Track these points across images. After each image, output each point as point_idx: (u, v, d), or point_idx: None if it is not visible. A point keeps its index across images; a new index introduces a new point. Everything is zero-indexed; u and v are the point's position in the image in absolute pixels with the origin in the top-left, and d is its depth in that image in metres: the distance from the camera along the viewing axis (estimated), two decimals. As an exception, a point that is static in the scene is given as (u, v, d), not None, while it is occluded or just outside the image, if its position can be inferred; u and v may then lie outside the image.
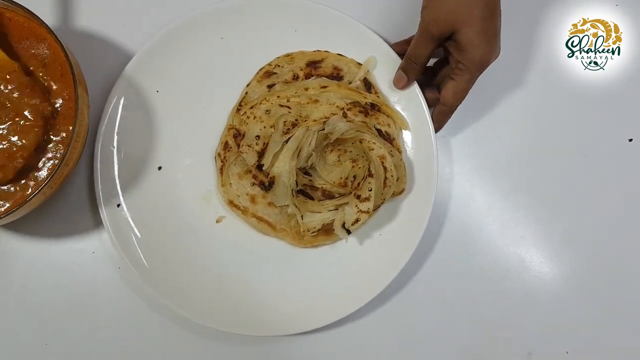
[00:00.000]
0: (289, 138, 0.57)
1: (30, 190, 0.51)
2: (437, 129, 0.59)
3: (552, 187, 0.64)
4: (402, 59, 0.59)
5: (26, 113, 0.50)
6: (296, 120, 0.59)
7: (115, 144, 0.58)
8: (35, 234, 0.59)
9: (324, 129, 0.57)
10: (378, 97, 0.60)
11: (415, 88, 0.59)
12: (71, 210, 0.60)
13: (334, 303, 0.58)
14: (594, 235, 0.64)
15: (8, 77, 0.50)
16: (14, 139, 0.50)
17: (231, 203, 0.59)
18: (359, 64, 0.61)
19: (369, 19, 0.62)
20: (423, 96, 0.59)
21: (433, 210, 0.57)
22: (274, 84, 0.61)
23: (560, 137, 0.65)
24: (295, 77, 0.61)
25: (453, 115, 0.58)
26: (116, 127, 0.58)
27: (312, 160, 0.58)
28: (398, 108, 0.60)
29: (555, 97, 0.65)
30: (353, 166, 0.59)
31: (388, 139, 0.60)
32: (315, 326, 0.57)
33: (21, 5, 0.51)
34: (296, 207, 0.56)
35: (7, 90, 0.50)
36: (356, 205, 0.56)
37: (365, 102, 0.59)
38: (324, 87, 0.60)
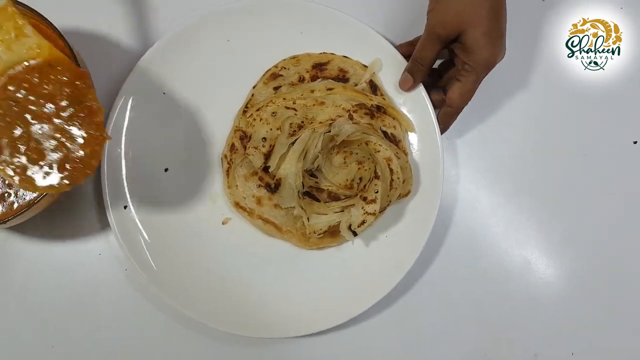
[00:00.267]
0: (295, 140, 0.58)
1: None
2: (442, 131, 0.59)
3: (554, 188, 0.64)
4: (407, 60, 0.59)
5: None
6: (302, 122, 0.59)
7: (122, 146, 0.58)
8: (41, 235, 0.59)
9: (330, 131, 0.57)
10: (384, 99, 0.60)
11: (421, 90, 0.59)
12: (77, 212, 0.60)
13: (340, 305, 0.58)
14: (598, 236, 0.64)
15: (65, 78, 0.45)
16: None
17: (237, 205, 0.59)
18: (365, 66, 0.61)
19: (375, 20, 0.62)
20: (429, 98, 0.59)
21: (438, 212, 0.58)
22: (280, 86, 0.61)
23: (561, 137, 0.65)
24: (301, 79, 0.61)
25: (457, 116, 0.59)
26: (124, 130, 0.58)
27: (318, 162, 0.58)
28: (404, 110, 0.61)
29: (555, 97, 0.65)
30: (359, 168, 0.59)
31: (394, 141, 0.60)
32: (320, 328, 0.57)
33: (30, 8, 0.51)
34: (302, 208, 0.57)
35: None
36: (362, 207, 0.56)
37: (371, 104, 0.60)
38: (330, 89, 0.60)
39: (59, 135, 0.45)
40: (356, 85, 0.61)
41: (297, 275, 0.59)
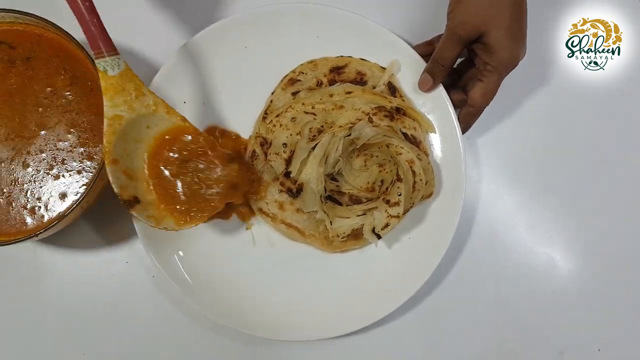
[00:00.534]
0: (316, 145, 0.58)
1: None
2: (464, 130, 0.59)
3: (578, 186, 0.64)
4: (425, 60, 0.59)
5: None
6: (322, 126, 0.59)
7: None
8: (69, 246, 0.61)
9: (350, 135, 0.57)
10: (403, 100, 0.60)
11: (441, 90, 0.59)
12: (103, 221, 0.61)
13: (365, 307, 0.58)
14: (622, 233, 0.64)
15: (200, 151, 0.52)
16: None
17: (260, 210, 0.60)
18: (383, 68, 0.61)
19: (391, 22, 0.62)
20: (449, 98, 0.59)
21: (461, 212, 0.57)
22: (299, 91, 0.61)
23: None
24: (319, 84, 0.61)
25: (479, 116, 0.58)
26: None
27: (339, 166, 0.58)
28: (423, 111, 0.60)
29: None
30: (380, 171, 0.59)
31: (414, 142, 0.60)
32: (346, 331, 0.57)
33: (51, 22, 0.52)
34: (325, 213, 0.57)
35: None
36: (386, 210, 0.56)
37: (391, 107, 0.59)
38: (349, 92, 0.60)
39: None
40: (375, 87, 0.61)
41: (321, 279, 0.59)
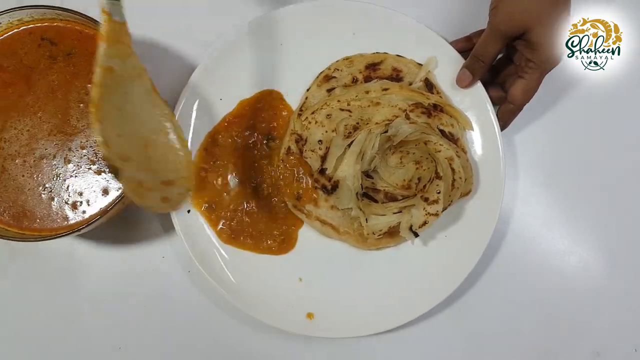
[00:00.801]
0: (352, 142, 0.57)
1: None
2: (502, 128, 0.58)
3: (609, 184, 0.64)
4: (462, 57, 0.58)
5: None
6: (357, 123, 0.59)
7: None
8: (105, 240, 0.61)
9: (386, 132, 0.57)
10: (441, 97, 0.60)
11: (480, 87, 0.58)
12: (139, 217, 0.61)
13: (401, 305, 0.58)
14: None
15: None
16: None
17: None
18: (419, 64, 0.61)
19: (427, 17, 0.61)
20: (487, 95, 0.58)
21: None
22: (334, 88, 0.61)
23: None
24: (355, 80, 0.61)
25: (519, 113, 0.58)
26: (189, 138, 0.59)
27: (374, 163, 0.58)
28: (461, 108, 0.60)
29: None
30: (417, 168, 0.58)
31: (452, 139, 0.59)
32: (382, 329, 0.57)
33: (91, 18, 0.52)
34: (360, 210, 0.57)
35: None
36: (424, 208, 0.56)
37: (428, 103, 0.59)
38: (386, 89, 0.59)
39: None
40: (411, 84, 0.60)
41: (356, 276, 0.59)
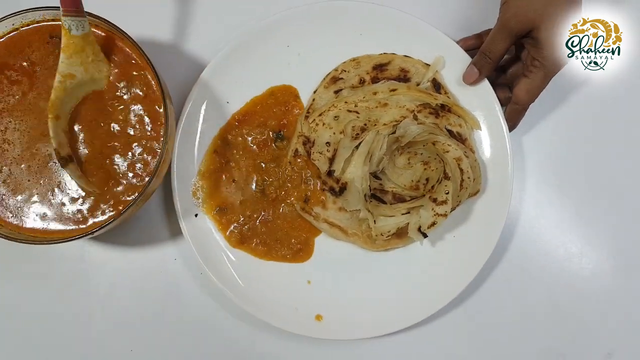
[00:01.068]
0: (359, 143, 0.57)
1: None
2: (511, 128, 0.58)
3: (622, 185, 0.63)
4: (470, 55, 0.58)
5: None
6: (365, 124, 0.59)
7: (195, 155, 0.59)
8: (118, 242, 0.62)
9: (394, 133, 0.57)
10: (448, 97, 0.60)
11: (487, 86, 0.58)
12: (151, 220, 0.62)
13: (410, 306, 0.58)
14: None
15: None
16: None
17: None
18: (426, 64, 0.60)
19: (434, 17, 0.61)
20: (495, 95, 0.58)
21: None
22: (341, 89, 0.61)
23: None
24: (362, 82, 0.61)
25: (525, 113, 0.57)
26: (196, 141, 0.59)
27: (383, 164, 0.58)
28: (469, 108, 0.60)
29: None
30: (425, 169, 0.58)
31: (460, 139, 0.59)
32: (390, 330, 0.57)
33: (103, 19, 0.53)
34: (369, 211, 0.57)
35: None
36: (432, 209, 0.55)
37: (436, 104, 0.59)
38: (393, 90, 0.59)
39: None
40: (418, 84, 0.60)
41: (365, 278, 0.59)
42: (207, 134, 0.60)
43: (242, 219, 0.59)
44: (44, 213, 0.53)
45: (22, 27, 0.55)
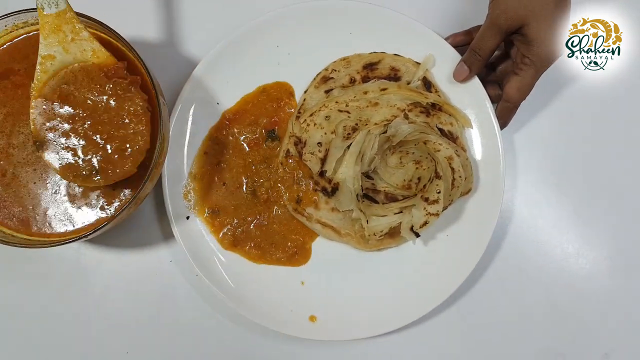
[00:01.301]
0: (351, 143, 0.57)
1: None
2: (502, 126, 0.58)
3: (616, 184, 0.63)
4: (459, 52, 0.58)
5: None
6: (356, 124, 0.59)
7: (185, 158, 0.59)
8: (113, 244, 0.61)
9: (385, 132, 0.57)
10: (439, 96, 0.59)
11: (478, 84, 0.58)
12: (145, 222, 0.61)
13: (403, 306, 0.58)
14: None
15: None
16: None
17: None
18: (417, 62, 0.60)
19: (423, 15, 0.61)
20: (486, 93, 0.58)
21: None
22: (332, 89, 0.61)
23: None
24: (352, 81, 0.61)
25: (516, 111, 0.57)
26: (185, 143, 0.59)
27: (374, 164, 0.58)
28: (460, 106, 0.59)
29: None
30: (417, 168, 0.58)
31: (451, 138, 0.59)
32: (384, 331, 0.57)
33: (101, 22, 0.52)
34: (361, 211, 0.57)
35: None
36: (424, 208, 0.55)
37: (427, 102, 0.59)
38: (384, 89, 0.59)
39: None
40: (409, 83, 0.60)
41: (358, 278, 0.59)
42: (198, 135, 0.60)
43: (235, 221, 0.59)
44: (44, 215, 0.53)
45: (25, 34, 0.54)
